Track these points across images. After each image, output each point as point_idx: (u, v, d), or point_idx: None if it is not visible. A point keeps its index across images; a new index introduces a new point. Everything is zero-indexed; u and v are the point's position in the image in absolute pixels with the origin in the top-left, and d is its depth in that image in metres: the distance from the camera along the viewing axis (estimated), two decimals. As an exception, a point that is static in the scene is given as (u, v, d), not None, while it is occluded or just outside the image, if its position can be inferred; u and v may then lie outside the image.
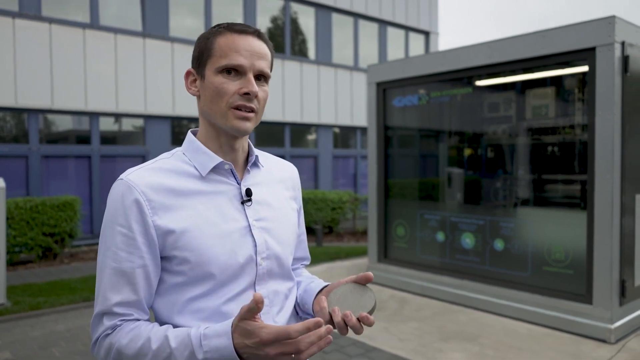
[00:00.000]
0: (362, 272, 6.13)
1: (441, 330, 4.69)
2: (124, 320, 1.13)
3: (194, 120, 11.99)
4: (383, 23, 15.61)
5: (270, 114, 13.23)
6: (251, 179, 1.28)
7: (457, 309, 5.34)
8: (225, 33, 1.19)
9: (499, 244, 5.22)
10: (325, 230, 12.12)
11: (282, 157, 13.47)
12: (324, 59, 14.36)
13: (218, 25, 1.23)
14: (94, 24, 10.44)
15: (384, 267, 6.28)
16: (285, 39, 13.69)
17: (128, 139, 11.24)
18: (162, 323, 1.17)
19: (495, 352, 4.19)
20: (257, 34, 1.21)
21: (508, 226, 5.15)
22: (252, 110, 1.19)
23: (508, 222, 5.16)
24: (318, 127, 14.35)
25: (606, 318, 4.36)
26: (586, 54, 4.48)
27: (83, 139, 10.66)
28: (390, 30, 15.91)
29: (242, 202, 1.23)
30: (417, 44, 16.65)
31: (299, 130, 14.18)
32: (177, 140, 11.60)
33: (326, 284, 1.33)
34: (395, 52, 15.98)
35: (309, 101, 13.99)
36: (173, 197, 1.16)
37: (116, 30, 10.67)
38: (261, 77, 1.21)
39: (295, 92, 13.69)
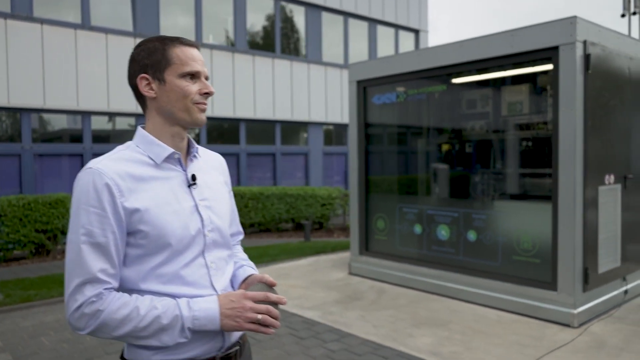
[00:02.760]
0: (345, 264, 6.33)
1: (414, 317, 4.91)
2: (107, 289, 1.34)
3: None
4: (373, 21, 15.81)
5: (261, 112, 13.43)
6: (194, 167, 1.54)
7: (432, 297, 5.56)
8: (179, 45, 1.47)
9: (471, 235, 5.44)
10: (315, 226, 12.34)
11: (273, 155, 13.68)
12: (314, 57, 14.55)
13: (161, 37, 1.49)
14: (85, 24, 10.61)
15: (365, 260, 6.49)
16: (275, 38, 13.88)
17: (120, 138, 11.42)
18: (129, 291, 1.39)
19: (462, 336, 4.41)
20: (198, 46, 1.53)
21: (480, 218, 5.37)
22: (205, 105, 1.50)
23: (480, 214, 5.38)
24: (308, 124, 14.55)
25: (570, 304, 4.58)
26: (551, 53, 4.70)
27: (75, 137, 10.84)
28: (380, 29, 16.11)
29: (189, 186, 1.49)
30: (407, 42, 16.86)
31: (290, 128, 14.37)
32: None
33: (249, 273, 1.61)
34: (385, 50, 16.18)
35: (300, 99, 14.18)
36: (135, 182, 1.39)
37: (107, 30, 10.84)
38: (206, 79, 1.51)
39: (285, 91, 13.88)
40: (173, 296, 1.37)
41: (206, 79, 1.50)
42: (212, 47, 12.56)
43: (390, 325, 4.71)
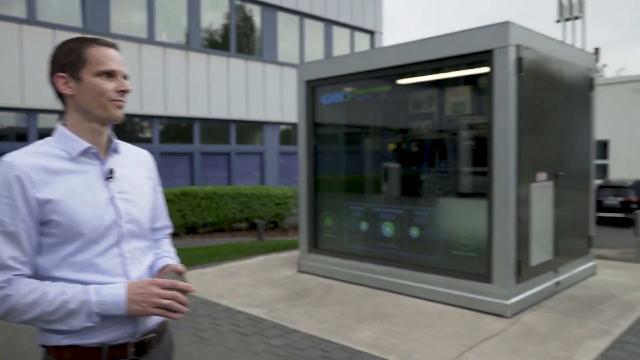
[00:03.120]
0: (296, 263, 6.40)
1: (359, 312, 5.04)
2: (17, 275, 1.40)
3: (135, 115, 11.98)
4: (328, 22, 15.96)
5: (216, 111, 13.35)
6: (114, 161, 1.61)
7: (378, 293, 5.71)
8: (95, 46, 1.54)
9: (414, 232, 5.61)
10: (270, 225, 12.38)
11: (228, 154, 13.62)
12: (270, 56, 14.57)
13: (78, 38, 1.56)
14: (31, 19, 10.30)
15: (314, 257, 6.59)
16: (230, 37, 13.82)
17: (68, 136, 11.14)
18: (43, 278, 1.45)
19: (403, 329, 4.56)
20: (116, 46, 1.60)
21: (423, 215, 5.55)
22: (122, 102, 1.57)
23: (423, 211, 5.56)
24: (264, 124, 14.56)
25: (503, 295, 4.81)
26: (486, 56, 4.91)
27: (21, 136, 10.51)
28: (336, 30, 16.28)
29: (107, 179, 1.55)
30: (362, 44, 17.10)
31: (245, 128, 14.35)
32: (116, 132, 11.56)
33: (167, 263, 1.68)
34: (341, 51, 16.37)
35: (255, 99, 14.18)
36: (48, 175, 1.45)
37: (55, 26, 10.56)
38: (124, 77, 1.58)
39: (240, 90, 13.85)
40: (86, 283, 1.44)
41: (125, 77, 1.57)
42: (165, 45, 12.40)
43: (335, 320, 4.82)
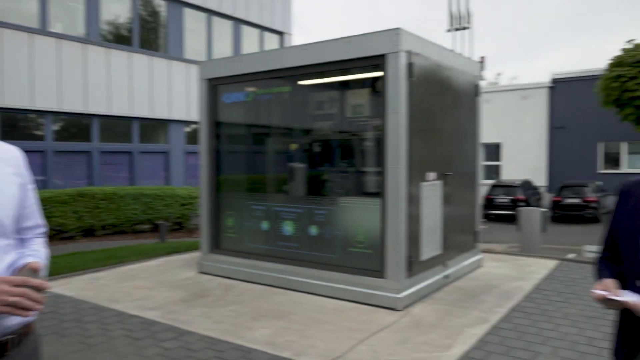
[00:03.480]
0: (196, 264, 6.26)
1: (256, 311, 5.05)
2: None
3: (26, 110, 11.17)
4: (237, 21, 15.81)
5: (117, 107, 12.76)
6: None
7: (277, 291, 5.75)
8: None
9: (313, 230, 5.73)
10: (175, 226, 12.04)
11: (131, 153, 13.07)
12: (176, 53, 14.17)
13: None
14: None
15: (215, 258, 6.51)
16: (133, 31, 13.27)
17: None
18: None
19: (300, 325, 4.64)
20: None
21: (321, 213, 5.68)
22: None
23: (321, 209, 5.69)
24: (169, 122, 14.13)
25: (395, 289, 5.04)
26: (380, 60, 5.12)
27: None
28: (245, 29, 16.16)
29: None
30: (272, 44, 17.12)
31: (149, 126, 13.84)
32: (4, 128, 10.70)
33: (26, 262, 1.61)
34: (250, 51, 16.27)
35: (160, 96, 13.72)
36: None
37: None
38: None
39: (144, 86, 13.33)
40: None
41: None
42: (60, 36, 11.65)
43: (232, 320, 4.80)
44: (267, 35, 16.82)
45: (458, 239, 6.24)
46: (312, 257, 5.72)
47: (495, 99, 23.98)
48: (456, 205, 6.13)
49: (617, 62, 8.60)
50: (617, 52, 8.64)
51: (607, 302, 1.67)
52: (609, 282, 1.71)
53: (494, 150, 24.42)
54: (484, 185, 20.89)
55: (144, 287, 5.95)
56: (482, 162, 24.18)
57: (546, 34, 77.84)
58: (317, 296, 5.53)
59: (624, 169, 20.97)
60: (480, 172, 23.46)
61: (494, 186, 19.17)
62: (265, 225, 6.14)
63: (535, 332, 4.44)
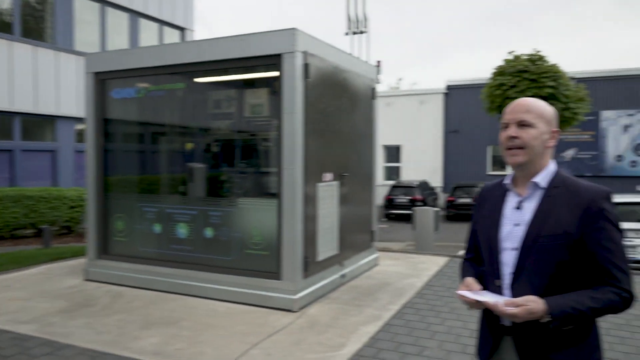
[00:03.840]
0: (82, 271, 5.81)
1: (146, 319, 4.78)
2: None
3: None
4: (134, 14, 15.04)
5: (-6, 101, 11.60)
6: None
7: (170, 297, 5.50)
8: None
9: (208, 232, 5.55)
10: (63, 231, 11.18)
11: (11, 151, 11.95)
12: (65, 45, 13.18)
13: None
14: None
15: (104, 264, 6.10)
16: (14, 18, 12.14)
17: None
18: None
19: (191, 332, 4.45)
20: None
21: (216, 215, 5.52)
22: None
23: (217, 211, 5.52)
24: (57, 118, 13.10)
25: (291, 290, 5.01)
26: (276, 60, 5.07)
27: None
28: (144, 23, 15.42)
29: None
30: (172, 40, 16.49)
31: (33, 122, 12.74)
32: None
33: None
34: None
35: (46, 90, 12.68)
36: None
37: None
38: None
39: (26, 79, 12.25)
40: None
41: None
42: None
43: (118, 330, 4.50)
44: (168, 30, 16.17)
45: (355, 238, 6.35)
46: (206, 260, 5.54)
47: (396, 103, 24.97)
48: (353, 206, 6.24)
49: (500, 72, 9.28)
50: (500, 62, 9.36)
51: (469, 302, 1.73)
52: (471, 282, 1.79)
53: (394, 152, 25.39)
54: (385, 186, 21.65)
55: (19, 299, 5.43)
56: (383, 164, 25.09)
57: (444, 42, 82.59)
58: (211, 300, 5.36)
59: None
60: (382, 173, 24.23)
61: (393, 187, 19.93)
62: (157, 228, 5.85)
63: (424, 327, 4.61)
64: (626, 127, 20.74)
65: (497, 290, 1.76)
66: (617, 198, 9.72)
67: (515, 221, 1.76)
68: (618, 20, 75.81)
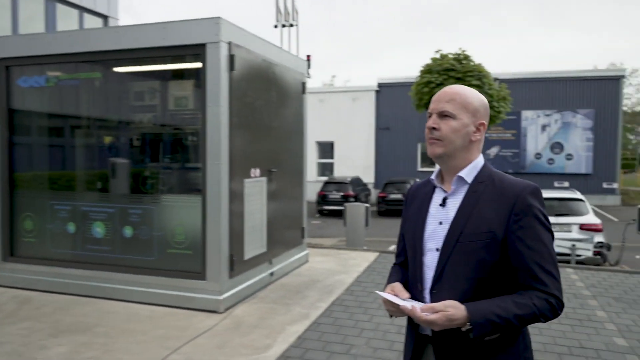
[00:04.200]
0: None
1: (55, 326, 4.42)
2: None
3: None
4: (51, -1, 14.07)
5: None
6: None
7: (86, 301, 5.13)
8: None
9: (128, 231, 5.22)
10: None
11: None
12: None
13: None
14: None
15: (10, 267, 5.61)
16: None
17: None
18: None
19: (106, 339, 4.15)
20: None
21: (136, 213, 5.20)
22: None
23: (136, 208, 5.21)
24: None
25: (217, 291, 4.81)
26: (200, 50, 4.83)
27: None
28: (62, 9, 14.47)
29: None
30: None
31: None
32: None
33: None
34: (68, 33, 14.61)
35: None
36: None
37: None
38: None
39: None
40: None
41: None
42: None
43: (22, 339, 4.12)
44: (89, 17, 15.27)
45: (284, 235, 6.22)
46: (126, 261, 5.21)
47: (329, 100, 25.08)
48: (282, 202, 6.11)
49: (427, 70, 9.48)
50: (428, 61, 9.56)
51: (389, 306, 1.62)
52: (395, 285, 1.67)
53: (328, 149, 25.52)
54: (318, 182, 21.70)
55: None
56: (317, 160, 25.15)
57: (378, 42, 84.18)
58: (132, 303, 5.04)
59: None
60: (315, 170, 24.26)
61: (326, 183, 20.01)
62: (71, 227, 5.44)
63: (352, 324, 4.57)
64: (544, 127, 21.98)
65: (420, 296, 1.63)
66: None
67: (439, 219, 1.63)
68: (538, 26, 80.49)
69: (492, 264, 1.53)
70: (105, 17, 15.79)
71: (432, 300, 1.57)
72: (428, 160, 23.62)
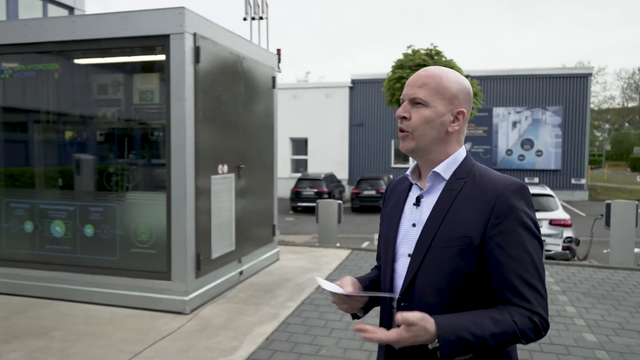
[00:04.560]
0: None
1: (9, 331, 4.19)
2: None
3: None
4: (13, -11, 13.54)
5: None
6: None
7: (44, 303, 4.89)
8: None
9: (89, 230, 5.00)
10: None
11: None
12: None
13: None
14: None
15: (-37, 268, 5.32)
16: None
17: None
18: None
19: (63, 343, 3.95)
20: None
21: (97, 211, 4.99)
22: None
23: (97, 206, 4.99)
24: None
25: (182, 291, 4.64)
26: (163, 41, 4.64)
27: None
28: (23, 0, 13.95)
29: None
30: (60, 20, 15.09)
31: None
32: None
33: None
34: (31, 24, 14.09)
35: None
36: None
37: None
38: None
39: None
40: None
41: None
42: None
43: (-28, 345, 3.89)
44: (53, 9, 14.77)
45: (254, 233, 6.08)
46: (87, 261, 4.99)
47: (303, 96, 24.90)
48: (252, 199, 5.96)
49: (399, 65, 9.43)
50: (400, 57, 9.50)
51: (335, 298, 1.47)
52: (345, 278, 1.54)
53: (302, 145, 25.35)
54: (292, 178, 21.53)
55: None
56: (290, 156, 24.97)
57: (352, 38, 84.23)
58: (92, 305, 4.83)
59: (411, 163, 23.55)
60: (289, 166, 24.02)
61: (300, 179, 19.86)
62: (28, 226, 5.19)
63: (322, 324, 4.46)
64: (515, 124, 22.27)
65: (389, 307, 1.45)
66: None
67: (412, 220, 1.42)
68: (509, 24, 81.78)
69: (469, 275, 1.31)
70: (71, 9, 15.30)
71: None
72: (402, 157, 23.70)
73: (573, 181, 22.12)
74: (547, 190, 10.04)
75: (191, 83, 4.64)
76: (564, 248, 8.69)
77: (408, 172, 1.50)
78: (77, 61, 5.16)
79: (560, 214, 9.24)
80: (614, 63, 75.88)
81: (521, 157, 22.22)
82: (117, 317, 4.54)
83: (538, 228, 1.32)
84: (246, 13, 7.68)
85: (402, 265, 1.41)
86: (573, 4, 79.45)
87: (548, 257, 8.21)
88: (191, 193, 4.67)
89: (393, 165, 23.93)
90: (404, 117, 1.40)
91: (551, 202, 9.57)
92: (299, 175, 21.71)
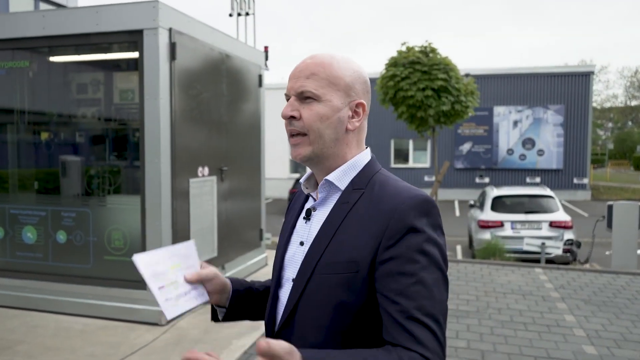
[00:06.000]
0: None
1: (-29, 345, 3.95)
2: None
3: None
4: (3, -13, 13.33)
5: None
6: None
7: (12, 313, 4.65)
8: None
9: (61, 236, 4.76)
10: None
11: None
12: None
13: None
14: None
15: None
16: None
17: None
18: None
19: (27, 358, 3.70)
20: None
21: (70, 216, 4.74)
22: None
23: (70, 211, 4.75)
24: None
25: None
26: (137, 36, 4.39)
27: None
28: (15, -2, 13.73)
29: None
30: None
31: None
32: None
33: None
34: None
35: None
36: None
37: None
38: None
39: None
40: None
41: None
42: None
43: None
44: (44, 6, 14.56)
45: (240, 238, 5.82)
46: (59, 269, 4.74)
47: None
48: (237, 202, 5.70)
49: (392, 63, 9.18)
50: (393, 54, 9.26)
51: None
52: (209, 270, 1.29)
53: (300, 145, 25.11)
54: (291, 179, 21.28)
55: None
56: (288, 157, 24.71)
57: (352, 38, 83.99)
58: (63, 316, 4.59)
59: (411, 164, 23.28)
60: (287, 167, 23.74)
61: (298, 180, 19.62)
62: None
63: (304, 335, 4.20)
64: (516, 123, 21.97)
65: (270, 334, 1.19)
66: (507, 190, 10.03)
67: (301, 238, 1.18)
68: (512, 23, 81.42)
69: (357, 311, 1.05)
70: (63, 7, 15.06)
71: None
72: (402, 157, 23.43)
73: (575, 181, 21.82)
74: (547, 191, 9.77)
75: (166, 81, 4.39)
76: (565, 251, 8.43)
77: (302, 180, 1.23)
78: (48, 58, 4.92)
79: (560, 215, 8.98)
80: (617, 61, 75.52)
81: (522, 157, 21.92)
82: (89, 329, 4.29)
83: (443, 254, 1.05)
84: (232, 9, 7.43)
85: (285, 293, 1.16)
86: (576, 1, 79.04)
87: (548, 261, 7.95)
88: (167, 197, 4.42)
89: (393, 165, 23.66)
90: (293, 117, 1.13)
91: (551, 203, 9.31)
92: (297, 175, 21.47)
